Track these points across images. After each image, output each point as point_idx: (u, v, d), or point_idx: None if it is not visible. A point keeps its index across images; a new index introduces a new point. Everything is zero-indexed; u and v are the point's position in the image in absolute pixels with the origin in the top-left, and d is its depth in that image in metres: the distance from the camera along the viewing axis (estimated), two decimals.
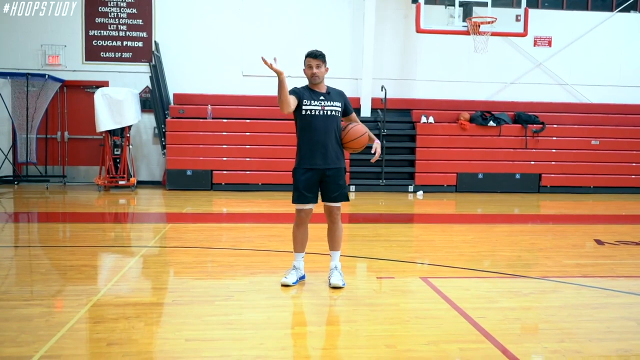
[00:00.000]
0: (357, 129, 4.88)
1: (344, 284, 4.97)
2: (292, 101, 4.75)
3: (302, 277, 5.11)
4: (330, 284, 4.97)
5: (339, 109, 4.87)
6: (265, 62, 4.51)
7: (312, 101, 4.82)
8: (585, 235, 7.90)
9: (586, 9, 14.30)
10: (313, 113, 4.80)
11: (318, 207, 5.02)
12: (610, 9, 14.29)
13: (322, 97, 4.84)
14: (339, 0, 13.39)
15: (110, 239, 7.36)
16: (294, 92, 4.84)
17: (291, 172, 4.99)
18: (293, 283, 4.95)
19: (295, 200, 4.89)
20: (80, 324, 4.00)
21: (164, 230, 7.91)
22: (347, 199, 5.03)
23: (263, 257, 6.21)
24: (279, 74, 4.57)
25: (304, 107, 4.80)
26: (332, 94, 4.91)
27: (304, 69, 4.90)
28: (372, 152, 4.93)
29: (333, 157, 4.86)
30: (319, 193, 4.98)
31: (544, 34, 13.98)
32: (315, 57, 4.85)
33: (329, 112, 4.82)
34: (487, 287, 5.17)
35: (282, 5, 13.32)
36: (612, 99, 14.10)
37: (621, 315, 4.36)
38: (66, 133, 13.18)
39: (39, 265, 5.80)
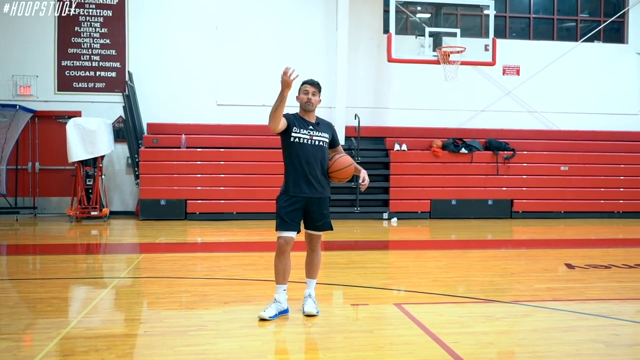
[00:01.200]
0: (344, 160, 4.92)
1: (317, 312, 4.96)
2: (283, 122, 4.78)
3: (284, 312, 4.93)
4: (304, 312, 4.95)
5: (327, 140, 4.91)
6: (287, 72, 4.48)
7: (302, 129, 4.84)
8: (556, 259, 8.00)
9: (552, 38, 14.72)
10: (301, 141, 4.82)
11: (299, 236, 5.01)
12: (575, 39, 14.73)
13: (311, 127, 4.88)
14: (313, 29, 13.60)
15: (81, 271, 7.25)
16: (285, 116, 4.85)
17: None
18: (271, 317, 4.80)
19: (278, 227, 4.83)
20: (49, 357, 3.93)
21: (137, 260, 7.83)
22: (331, 228, 5.03)
23: (237, 286, 6.17)
24: (288, 89, 4.53)
25: (292, 134, 4.82)
26: (321, 125, 4.96)
27: (297, 96, 4.95)
28: (361, 181, 4.97)
29: (319, 186, 4.87)
30: (302, 222, 4.96)
31: (512, 63, 14.32)
32: (313, 84, 4.93)
33: (316, 142, 4.85)
34: (460, 312, 5.20)
35: (255, 35, 13.45)
36: (579, 125, 14.44)
37: (590, 338, 4.43)
38: (37, 164, 13.02)
39: (7, 298, 5.69)
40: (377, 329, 4.70)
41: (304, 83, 4.96)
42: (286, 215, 4.81)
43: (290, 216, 4.82)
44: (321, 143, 4.87)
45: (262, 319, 4.80)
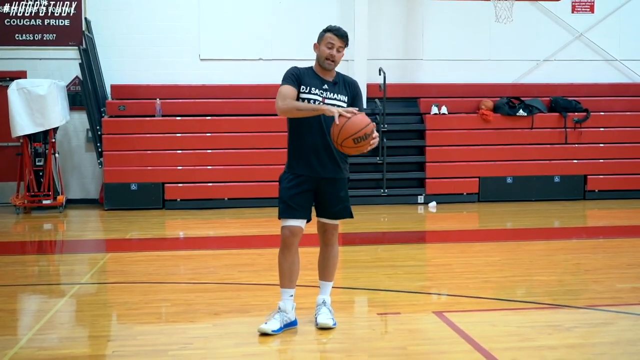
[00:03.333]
0: (357, 121, 4.57)
1: (334, 324, 4.97)
2: (292, 94, 4.77)
3: (292, 324, 4.95)
4: (317, 324, 4.97)
5: (344, 105, 4.86)
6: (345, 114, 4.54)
7: (312, 89, 4.85)
8: None
9: None
10: (312, 104, 4.82)
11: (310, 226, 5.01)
12: None
13: (325, 86, 4.89)
14: None
15: (32, 275, 7.32)
16: (294, 76, 4.84)
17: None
18: (274, 331, 4.81)
19: (281, 214, 4.85)
20: None
21: (102, 262, 7.88)
22: (351, 215, 5.06)
23: (230, 292, 6.20)
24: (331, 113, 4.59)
25: (300, 95, 4.83)
26: (340, 84, 4.95)
27: (315, 44, 4.91)
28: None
29: (333, 163, 4.88)
30: (313, 208, 4.97)
31: None
32: (342, 36, 4.86)
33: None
34: (519, 321, 5.22)
35: None
36: None
37: None
38: None
39: None
40: (411, 345, 4.71)
41: (328, 31, 4.91)
42: (291, 199, 4.82)
43: (297, 200, 4.83)
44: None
45: (264, 334, 4.81)
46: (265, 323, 4.86)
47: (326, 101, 4.83)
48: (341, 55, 4.90)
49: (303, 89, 4.84)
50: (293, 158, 4.91)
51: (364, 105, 13.80)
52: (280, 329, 4.85)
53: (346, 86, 4.97)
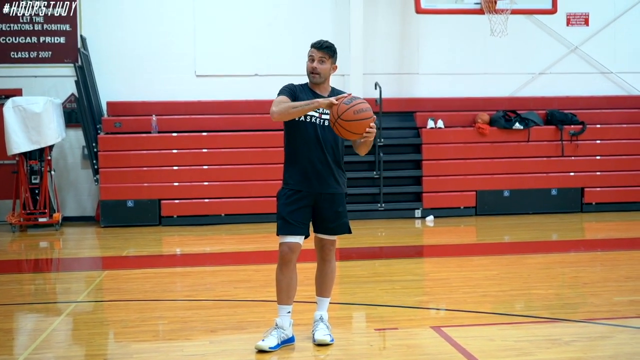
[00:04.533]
0: (365, 106, 4.63)
1: (332, 340, 4.97)
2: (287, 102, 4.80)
3: (289, 341, 4.96)
4: (314, 340, 4.96)
5: None
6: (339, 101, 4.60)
7: None
8: None
9: None
10: (307, 121, 4.84)
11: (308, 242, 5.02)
12: None
13: None
14: None
15: (28, 294, 7.31)
16: (289, 90, 4.87)
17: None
18: (272, 348, 4.81)
19: (280, 231, 4.85)
20: None
21: (99, 279, 7.88)
22: (349, 231, 5.07)
23: (227, 308, 6.21)
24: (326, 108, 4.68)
25: None
26: None
27: (307, 62, 4.95)
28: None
29: (331, 179, 4.88)
30: (311, 223, 4.97)
31: (579, 10, 14.19)
32: (320, 47, 4.89)
33: (326, 123, 4.83)
34: (517, 335, 5.23)
35: None
36: None
37: None
38: None
39: None
40: None
41: (311, 46, 4.96)
42: (289, 215, 4.82)
43: (295, 216, 4.83)
44: None
45: (261, 351, 4.81)
46: (263, 340, 4.85)
47: (323, 116, 4.83)
48: (326, 67, 4.89)
49: None
50: (290, 173, 4.91)
51: None
52: (278, 346, 4.85)
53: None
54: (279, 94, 4.88)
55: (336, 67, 4.99)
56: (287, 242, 4.82)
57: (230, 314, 6.02)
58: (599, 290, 6.68)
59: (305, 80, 5.04)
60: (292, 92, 4.88)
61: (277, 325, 4.90)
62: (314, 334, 4.99)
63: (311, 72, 4.88)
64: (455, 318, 5.80)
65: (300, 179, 4.85)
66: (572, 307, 6.07)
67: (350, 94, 4.74)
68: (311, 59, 4.88)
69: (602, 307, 6.04)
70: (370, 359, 4.74)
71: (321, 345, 4.91)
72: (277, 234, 4.87)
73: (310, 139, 4.82)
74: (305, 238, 4.91)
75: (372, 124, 4.63)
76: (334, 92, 4.97)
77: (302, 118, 4.82)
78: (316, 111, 4.81)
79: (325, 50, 4.87)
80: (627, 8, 14.26)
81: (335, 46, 4.98)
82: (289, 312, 4.93)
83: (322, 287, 5.08)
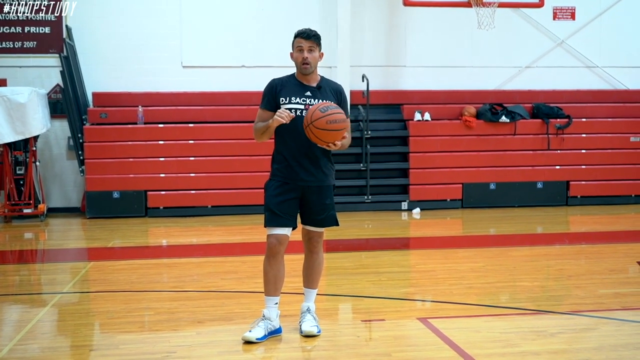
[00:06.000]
0: (341, 116, 4.66)
1: (319, 331, 4.98)
2: (263, 118, 4.87)
3: (276, 332, 4.97)
4: (301, 332, 4.97)
5: None
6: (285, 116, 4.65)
7: (293, 98, 4.82)
8: (626, 257, 8.06)
9: None
10: (294, 114, 4.77)
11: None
12: None
13: (308, 93, 4.85)
14: None
15: (12, 285, 7.29)
16: (266, 97, 4.87)
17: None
18: (258, 339, 4.82)
19: (267, 223, 4.83)
20: None
21: (84, 270, 7.86)
22: (337, 223, 5.04)
23: (214, 300, 6.21)
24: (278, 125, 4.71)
25: (282, 106, 4.81)
26: (324, 89, 4.91)
27: (291, 53, 4.91)
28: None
29: (318, 171, 4.86)
30: (299, 215, 4.96)
31: (566, 4, 14.23)
32: (308, 37, 4.83)
33: None
34: (503, 327, 5.27)
35: None
36: None
37: None
38: None
39: None
40: (396, 351, 4.73)
41: (296, 36, 4.91)
42: (277, 207, 4.81)
43: (283, 208, 4.81)
44: None
45: (248, 342, 4.81)
46: (250, 331, 4.85)
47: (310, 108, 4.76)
48: (315, 56, 4.85)
49: (283, 100, 4.83)
50: (277, 165, 4.90)
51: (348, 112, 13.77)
52: (265, 337, 4.85)
53: (332, 92, 4.93)
54: (261, 103, 4.93)
55: (322, 54, 4.96)
56: (275, 234, 4.81)
57: (217, 305, 6.02)
58: (584, 283, 6.73)
59: (291, 70, 5.01)
60: (273, 94, 4.86)
61: (264, 316, 4.90)
62: (300, 325, 5.00)
63: (303, 63, 4.82)
64: (442, 310, 5.83)
65: (288, 171, 4.83)
66: (557, 300, 6.12)
67: (329, 103, 4.70)
68: (300, 49, 4.84)
69: (587, 299, 6.09)
70: (357, 349, 4.75)
71: (308, 336, 4.92)
72: (265, 226, 4.86)
73: (296, 132, 4.77)
74: (292, 229, 4.89)
75: (345, 134, 4.67)
76: (323, 81, 4.95)
77: (290, 112, 4.77)
78: (302, 104, 4.78)
79: (313, 39, 4.84)
80: (613, 3, 14.31)
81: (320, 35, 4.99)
82: (276, 303, 4.93)
83: (310, 278, 5.08)
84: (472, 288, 6.57)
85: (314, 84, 4.89)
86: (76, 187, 13.08)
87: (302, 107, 4.79)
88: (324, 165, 4.89)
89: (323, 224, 4.97)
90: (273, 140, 5.02)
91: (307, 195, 4.86)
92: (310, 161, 4.83)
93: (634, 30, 14.40)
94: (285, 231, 4.83)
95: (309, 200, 4.88)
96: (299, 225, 5.01)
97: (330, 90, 4.93)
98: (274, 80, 4.94)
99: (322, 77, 4.97)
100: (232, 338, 4.94)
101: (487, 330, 5.13)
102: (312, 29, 4.92)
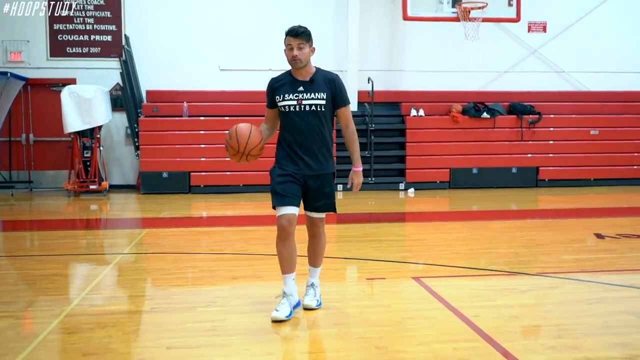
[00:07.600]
0: (257, 135, 4.35)
1: (318, 305, 4.56)
2: (269, 117, 4.51)
3: (298, 305, 4.48)
4: (303, 304, 4.55)
5: (322, 103, 4.27)
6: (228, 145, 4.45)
7: (287, 94, 4.32)
8: (585, 229, 8.05)
9: None
10: (288, 110, 4.31)
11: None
12: None
13: (300, 88, 4.31)
14: None
15: (82, 247, 7.38)
16: (268, 97, 4.46)
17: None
18: (287, 317, 4.27)
19: (275, 203, 4.31)
20: (53, 334, 4.05)
21: (140, 236, 7.95)
22: (334, 210, 4.49)
23: (245, 261, 6.26)
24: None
25: (279, 104, 4.36)
26: (317, 83, 4.32)
27: (284, 50, 4.35)
28: (348, 185, 4.51)
29: (314, 162, 4.35)
30: (301, 200, 4.47)
31: (538, 19, 14.13)
32: (297, 35, 4.27)
33: (307, 108, 4.28)
34: (482, 285, 5.29)
35: None
36: (611, 86, 14.28)
37: (620, 310, 4.48)
38: (31, 135, 13.13)
39: (6, 275, 5.83)
40: (394, 303, 4.79)
41: (286, 34, 4.33)
42: (280, 187, 4.31)
43: (287, 188, 4.31)
44: (314, 108, 4.28)
45: (277, 320, 4.27)
46: (277, 310, 4.31)
47: (303, 102, 4.29)
48: (305, 52, 4.28)
49: (278, 98, 4.36)
50: (279, 154, 4.46)
51: (355, 108, 13.89)
52: (290, 314, 4.34)
53: (325, 83, 4.33)
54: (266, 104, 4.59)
55: (314, 49, 4.38)
56: (284, 215, 4.26)
57: (248, 265, 6.07)
58: (549, 250, 6.73)
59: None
60: (271, 94, 4.44)
61: (285, 293, 4.39)
62: (303, 299, 4.59)
63: (292, 60, 4.28)
64: (432, 271, 5.85)
65: (287, 161, 4.38)
66: (527, 264, 6.12)
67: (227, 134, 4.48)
68: (289, 47, 4.29)
69: (552, 263, 6.10)
70: (363, 301, 4.80)
71: (307, 309, 4.52)
72: (273, 207, 4.35)
73: (292, 125, 4.32)
74: (298, 209, 4.37)
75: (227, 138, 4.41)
76: (318, 73, 4.38)
77: (283, 108, 4.34)
78: (294, 100, 4.30)
79: (301, 36, 4.27)
80: (578, 18, 14.21)
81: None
82: (294, 278, 4.42)
83: (313, 257, 4.59)
84: (457, 254, 6.58)
85: (307, 78, 4.33)
86: (132, 168, 13.20)
87: (294, 102, 4.29)
88: (321, 156, 4.37)
89: (320, 210, 4.44)
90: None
91: (308, 183, 4.36)
92: (307, 153, 4.34)
93: (595, 41, 14.27)
94: (293, 210, 4.28)
95: (309, 187, 4.37)
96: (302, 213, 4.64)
97: (324, 81, 4.34)
98: (272, 79, 4.48)
99: (317, 69, 4.40)
100: (261, 292, 4.98)
101: (469, 288, 5.15)
102: (300, 26, 4.35)
